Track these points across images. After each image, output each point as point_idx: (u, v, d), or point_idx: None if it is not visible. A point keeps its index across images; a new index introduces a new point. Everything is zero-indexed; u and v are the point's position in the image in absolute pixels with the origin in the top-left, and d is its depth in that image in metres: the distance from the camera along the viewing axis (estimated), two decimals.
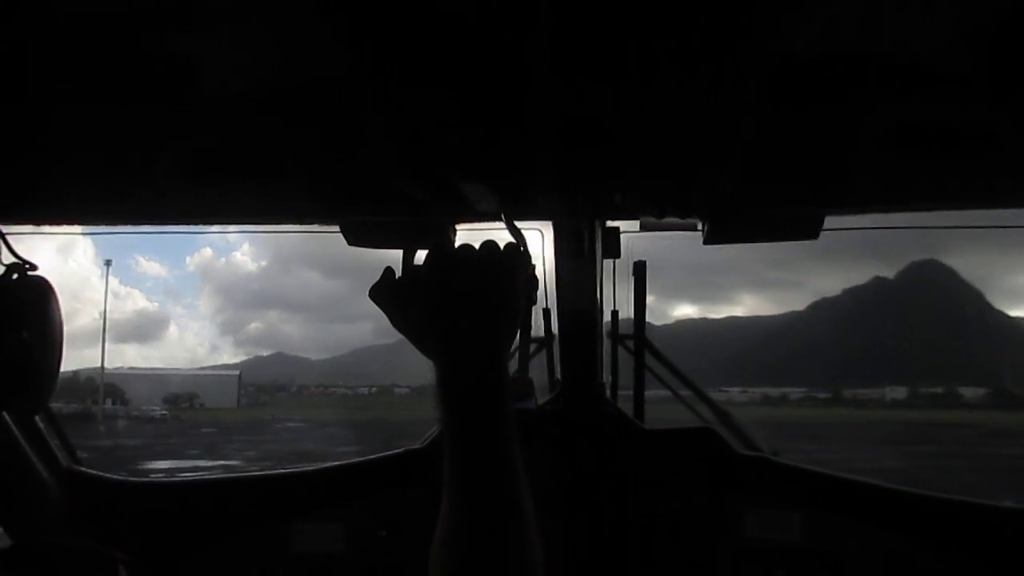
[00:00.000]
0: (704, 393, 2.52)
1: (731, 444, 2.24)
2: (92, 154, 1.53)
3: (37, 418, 2.23)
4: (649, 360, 2.40)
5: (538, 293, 1.13)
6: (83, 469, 2.32)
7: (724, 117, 1.33)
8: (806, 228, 1.88)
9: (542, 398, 2.31)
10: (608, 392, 2.31)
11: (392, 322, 1.07)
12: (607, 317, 2.30)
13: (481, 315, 1.02)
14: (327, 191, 1.73)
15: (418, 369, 1.05)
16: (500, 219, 1.68)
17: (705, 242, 1.92)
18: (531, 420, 2.15)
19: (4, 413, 2.02)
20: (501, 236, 1.10)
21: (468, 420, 0.98)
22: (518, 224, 1.28)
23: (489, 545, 0.91)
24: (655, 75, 1.19)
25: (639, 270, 2.18)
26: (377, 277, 1.05)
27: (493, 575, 0.90)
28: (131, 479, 2.39)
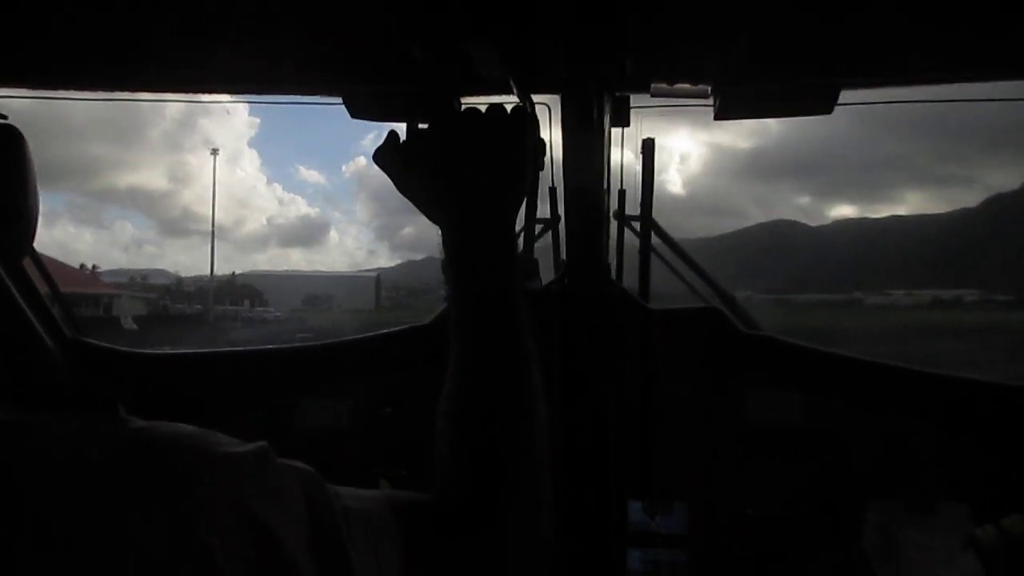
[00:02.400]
0: (711, 277, 2.50)
1: (737, 325, 2.24)
2: (85, 12, 1.47)
3: (42, 293, 2.24)
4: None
5: (545, 171, 1.10)
6: (87, 339, 2.34)
7: None
8: (820, 102, 1.83)
9: (547, 279, 2.31)
10: (614, 273, 2.30)
11: (396, 186, 1.05)
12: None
13: (488, 173, 0.99)
14: (328, 56, 1.67)
15: None
16: (506, 91, 1.63)
17: (716, 117, 1.87)
18: (536, 299, 2.15)
19: (7, 282, 2.02)
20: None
21: (476, 280, 0.96)
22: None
23: (499, 403, 0.90)
24: None
25: (647, 148, 2.12)
26: None
27: (501, 429, 0.88)
28: (137, 350, 2.41)
